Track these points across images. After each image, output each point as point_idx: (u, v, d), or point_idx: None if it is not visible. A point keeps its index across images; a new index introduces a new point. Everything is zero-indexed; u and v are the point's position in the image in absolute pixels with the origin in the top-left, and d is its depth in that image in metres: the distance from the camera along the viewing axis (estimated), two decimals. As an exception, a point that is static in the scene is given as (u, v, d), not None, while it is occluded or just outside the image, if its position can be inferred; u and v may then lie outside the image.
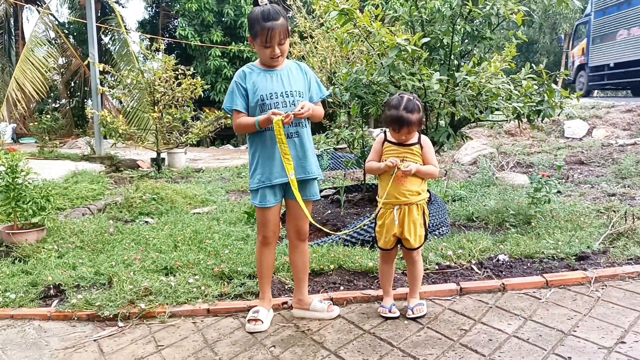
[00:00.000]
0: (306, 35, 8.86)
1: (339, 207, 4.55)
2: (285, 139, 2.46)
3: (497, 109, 3.98)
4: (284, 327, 2.63)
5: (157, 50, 9.70)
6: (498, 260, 3.35)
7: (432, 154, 2.63)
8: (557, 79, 4.17)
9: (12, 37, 19.57)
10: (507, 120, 4.55)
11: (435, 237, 3.83)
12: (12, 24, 19.61)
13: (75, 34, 20.01)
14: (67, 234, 4.25)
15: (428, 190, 2.66)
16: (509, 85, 3.75)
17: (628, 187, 5.70)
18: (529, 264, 3.29)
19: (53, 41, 16.91)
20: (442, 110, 3.88)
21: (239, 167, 9.08)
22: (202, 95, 9.38)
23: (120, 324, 2.75)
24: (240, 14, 17.18)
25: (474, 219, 4.51)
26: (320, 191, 5.17)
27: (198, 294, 2.96)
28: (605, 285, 2.91)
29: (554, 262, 3.29)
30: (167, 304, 2.87)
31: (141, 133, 10.81)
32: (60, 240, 4.12)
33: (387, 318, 2.64)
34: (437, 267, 3.27)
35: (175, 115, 8.89)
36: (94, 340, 2.60)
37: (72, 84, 19.17)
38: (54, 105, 20.17)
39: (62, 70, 18.58)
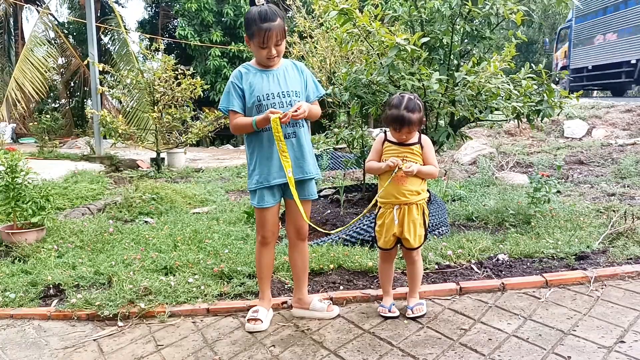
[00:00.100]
0: (306, 35, 8.86)
1: (339, 207, 4.55)
2: (283, 138, 2.46)
3: (496, 109, 3.98)
4: (283, 327, 2.63)
5: (157, 50, 9.71)
6: (498, 259, 3.35)
7: (433, 154, 2.63)
8: (557, 79, 4.17)
9: (12, 37, 19.57)
10: (506, 120, 4.56)
11: (435, 236, 3.83)
12: (12, 23, 19.60)
13: (74, 33, 20.00)
14: (67, 234, 4.25)
15: (428, 190, 2.66)
16: (509, 85, 3.75)
17: (627, 186, 5.70)
18: (528, 264, 3.29)
19: (53, 41, 16.93)
20: (442, 110, 3.88)
21: (238, 167, 9.08)
22: (202, 95, 9.38)
23: (120, 323, 2.75)
24: (240, 14, 17.17)
25: (474, 219, 4.51)
26: (320, 191, 5.17)
27: (198, 293, 2.96)
28: (605, 285, 2.91)
29: (553, 261, 3.29)
30: (166, 303, 2.87)
31: (141, 133, 10.81)
32: (59, 240, 4.12)
33: (386, 318, 2.64)
34: (436, 266, 3.27)
35: (174, 115, 8.89)
36: (94, 340, 2.60)
37: (72, 84, 19.18)
38: (53, 105, 20.18)
39: (61, 70, 18.59)
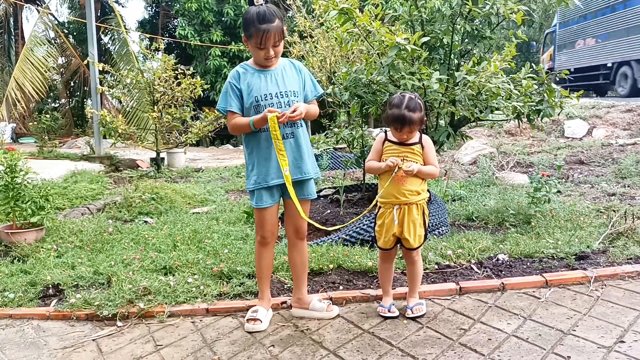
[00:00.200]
0: (306, 34, 8.85)
1: (339, 207, 4.55)
2: (281, 136, 2.45)
3: (497, 109, 3.97)
4: (283, 327, 2.62)
5: (157, 49, 9.71)
6: (498, 259, 3.35)
7: (433, 154, 2.62)
8: (557, 78, 4.16)
9: (12, 37, 19.58)
10: (507, 120, 4.55)
11: (435, 236, 3.83)
12: (12, 23, 19.60)
13: (74, 33, 19.99)
14: (66, 234, 4.25)
15: (428, 190, 2.66)
16: (509, 84, 3.74)
17: (628, 186, 5.69)
18: (528, 264, 3.29)
19: (53, 41, 16.92)
20: (442, 109, 3.88)
21: (238, 167, 9.07)
22: (202, 94, 9.37)
23: (119, 323, 2.75)
24: (240, 14, 17.16)
25: (474, 219, 4.51)
26: (320, 191, 5.17)
27: (197, 293, 2.96)
28: (605, 285, 2.90)
29: (553, 261, 3.29)
30: (166, 303, 2.86)
31: (141, 133, 10.80)
32: (59, 239, 4.12)
33: (386, 317, 2.63)
34: (436, 266, 3.27)
35: (174, 115, 8.89)
36: (93, 340, 2.60)
37: (72, 84, 19.18)
38: (53, 105, 20.18)
39: (61, 69, 18.59)
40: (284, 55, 2.66)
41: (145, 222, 4.87)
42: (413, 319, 2.60)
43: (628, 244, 3.43)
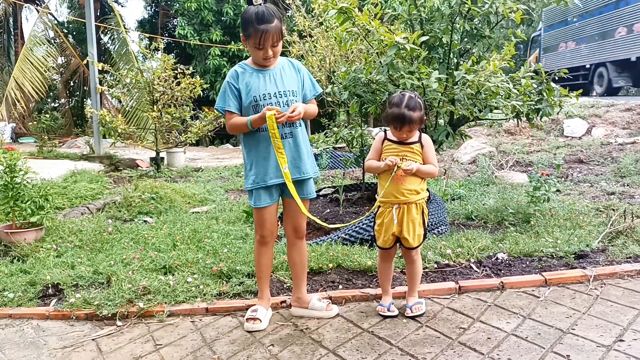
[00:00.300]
0: (305, 34, 8.86)
1: (338, 206, 4.55)
2: (279, 135, 2.45)
3: (496, 108, 3.98)
4: (282, 326, 2.63)
5: (157, 49, 9.69)
6: (497, 258, 3.35)
7: (433, 153, 2.62)
8: (557, 77, 4.15)
9: (12, 37, 19.57)
10: (506, 119, 4.55)
11: (434, 235, 3.83)
12: (12, 23, 19.59)
13: (74, 33, 19.98)
14: (66, 233, 4.25)
15: (427, 189, 2.66)
16: (508, 83, 3.74)
17: (627, 185, 5.70)
18: (527, 263, 3.29)
19: (52, 40, 16.91)
20: (441, 109, 3.88)
21: (238, 167, 9.08)
22: (202, 94, 9.37)
23: (119, 323, 2.75)
24: (239, 13, 17.14)
25: (473, 218, 4.51)
26: (319, 190, 5.17)
27: (197, 293, 2.96)
28: (604, 284, 2.91)
29: (552, 260, 3.29)
30: (165, 303, 2.87)
31: (140, 132, 10.80)
32: (58, 239, 4.12)
33: (385, 317, 2.63)
34: (436, 265, 3.27)
35: (174, 115, 8.88)
36: (93, 340, 2.60)
37: (71, 84, 19.18)
38: (53, 104, 20.18)
39: (61, 69, 18.58)
40: (283, 54, 2.65)
41: (145, 221, 4.87)
42: (412, 318, 2.60)
43: (627, 243, 3.44)
